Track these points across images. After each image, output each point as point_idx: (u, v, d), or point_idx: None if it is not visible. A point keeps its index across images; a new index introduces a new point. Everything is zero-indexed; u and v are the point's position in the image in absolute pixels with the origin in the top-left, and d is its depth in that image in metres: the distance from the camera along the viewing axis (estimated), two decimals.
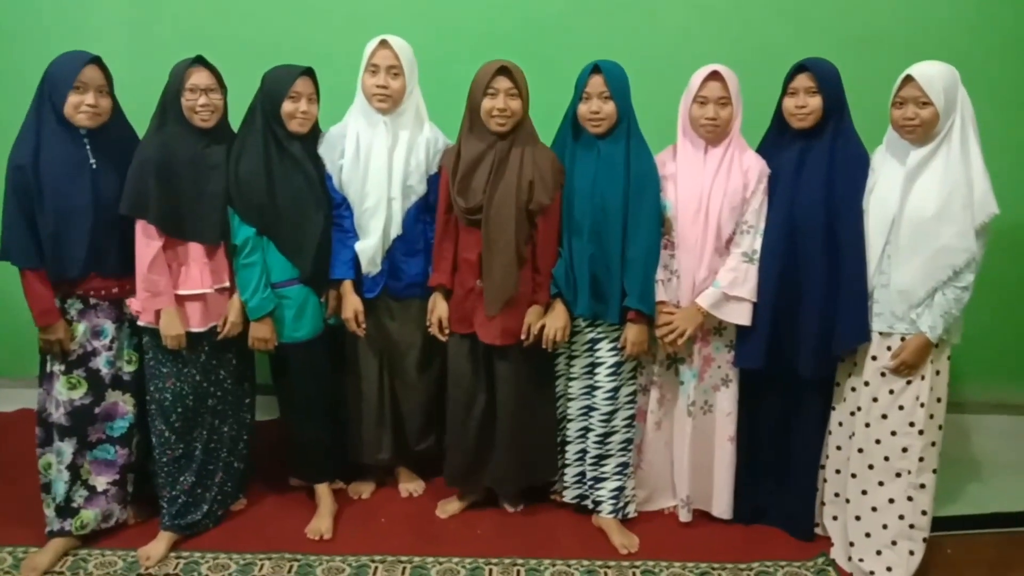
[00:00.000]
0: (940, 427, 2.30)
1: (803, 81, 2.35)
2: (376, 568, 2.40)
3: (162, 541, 2.47)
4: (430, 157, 2.58)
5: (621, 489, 2.56)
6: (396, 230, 2.56)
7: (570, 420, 2.60)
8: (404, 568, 2.40)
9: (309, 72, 2.47)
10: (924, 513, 2.28)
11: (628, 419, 2.54)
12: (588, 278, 2.42)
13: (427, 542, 2.53)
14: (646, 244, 2.42)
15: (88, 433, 2.42)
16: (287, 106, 2.43)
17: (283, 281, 2.50)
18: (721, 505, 2.61)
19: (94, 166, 2.31)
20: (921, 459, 2.27)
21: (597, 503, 2.58)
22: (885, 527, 2.31)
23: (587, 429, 2.55)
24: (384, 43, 2.46)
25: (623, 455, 2.56)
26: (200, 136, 2.39)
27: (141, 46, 3.23)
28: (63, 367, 2.37)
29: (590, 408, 2.54)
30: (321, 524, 2.58)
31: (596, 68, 2.37)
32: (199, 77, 2.34)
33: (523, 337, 2.45)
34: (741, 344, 2.49)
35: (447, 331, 2.57)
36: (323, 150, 2.55)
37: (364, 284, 2.61)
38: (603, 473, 2.56)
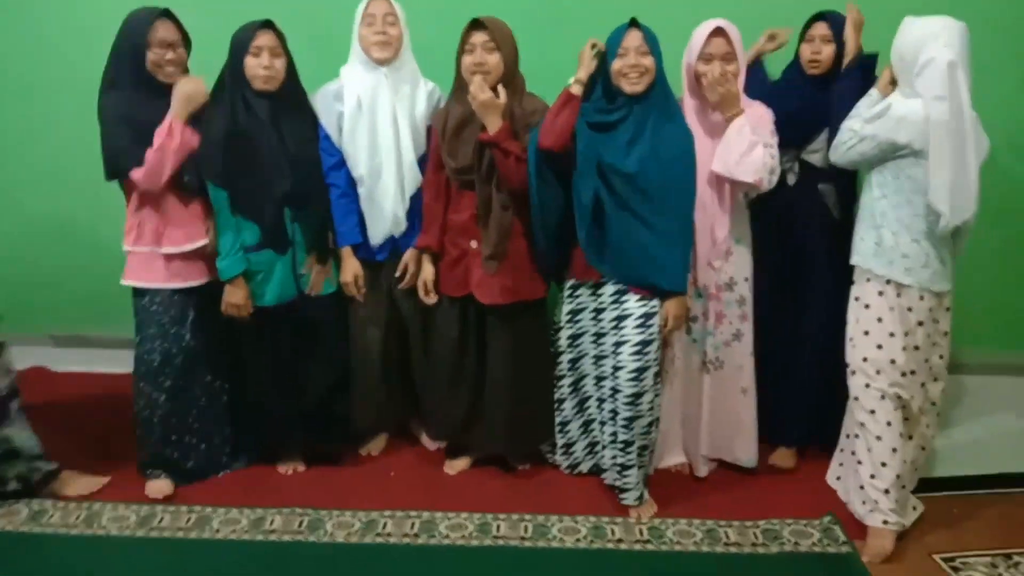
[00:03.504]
0: (879, 372, 2.25)
1: (819, 29, 2.52)
2: (385, 523, 2.42)
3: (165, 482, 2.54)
4: (431, 109, 2.57)
5: (646, 475, 2.53)
6: (413, 184, 2.54)
7: (602, 400, 2.50)
8: (413, 523, 2.42)
9: (269, 24, 2.41)
10: (870, 450, 2.28)
11: (655, 381, 2.41)
12: (616, 244, 2.32)
13: (436, 497, 2.55)
14: (684, 217, 2.31)
15: None
16: (249, 62, 2.38)
17: (252, 245, 2.47)
18: (744, 454, 2.64)
19: None
20: (856, 398, 2.30)
21: (622, 491, 2.48)
22: (853, 453, 2.38)
23: (615, 390, 2.40)
24: None
25: (644, 438, 2.44)
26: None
27: None
28: None
29: (616, 367, 2.39)
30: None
31: (633, 23, 2.26)
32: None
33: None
34: None
35: (432, 294, 2.57)
36: (319, 106, 2.51)
37: (374, 247, 2.59)
38: (629, 460, 2.43)
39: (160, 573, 2.22)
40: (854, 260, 2.32)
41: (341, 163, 2.54)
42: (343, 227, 2.56)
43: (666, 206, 2.28)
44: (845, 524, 2.39)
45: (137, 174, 2.32)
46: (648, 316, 2.35)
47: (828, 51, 2.50)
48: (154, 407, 2.49)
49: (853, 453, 2.35)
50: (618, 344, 2.38)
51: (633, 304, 2.36)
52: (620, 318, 2.38)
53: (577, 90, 2.31)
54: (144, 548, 2.32)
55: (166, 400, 2.49)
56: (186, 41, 2.41)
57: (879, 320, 2.25)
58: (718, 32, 2.33)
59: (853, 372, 2.31)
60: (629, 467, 2.44)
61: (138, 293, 2.46)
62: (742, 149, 2.30)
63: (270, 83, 2.41)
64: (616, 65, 2.26)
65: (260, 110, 2.42)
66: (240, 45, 2.39)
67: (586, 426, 2.61)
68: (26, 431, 2.46)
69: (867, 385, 2.28)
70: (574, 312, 2.51)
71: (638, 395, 2.36)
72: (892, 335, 2.24)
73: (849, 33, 2.47)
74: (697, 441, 2.64)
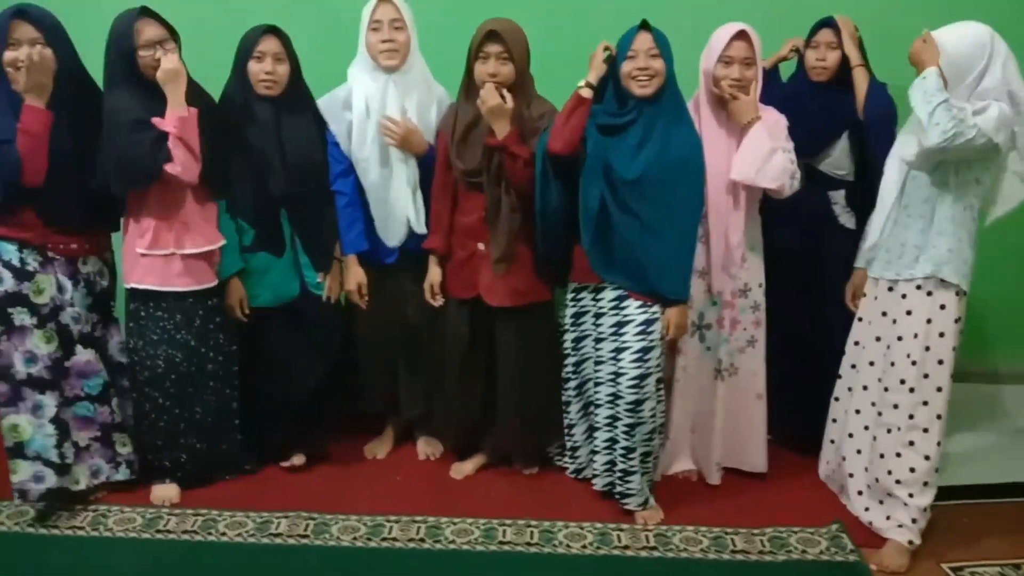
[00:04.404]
0: (939, 389, 2.17)
1: (825, 36, 2.54)
2: (391, 527, 2.42)
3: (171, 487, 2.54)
4: (441, 115, 2.56)
5: (651, 481, 2.50)
6: (417, 187, 2.54)
7: (599, 405, 2.45)
8: (419, 528, 2.42)
9: (274, 30, 2.41)
10: (913, 470, 2.22)
11: (657, 388, 2.39)
12: (620, 250, 2.30)
13: (442, 502, 2.55)
14: (690, 224, 2.29)
15: (65, 388, 2.39)
16: (252, 66, 2.40)
17: (248, 247, 2.50)
18: (755, 460, 2.64)
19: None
20: (911, 416, 2.21)
21: (624, 496, 2.45)
22: (866, 470, 2.35)
23: (616, 396, 2.37)
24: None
25: (646, 445, 2.42)
26: None
27: None
28: (36, 321, 2.30)
29: (617, 374, 2.35)
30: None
31: (644, 26, 2.24)
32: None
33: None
34: None
35: (439, 296, 2.57)
36: (328, 114, 2.52)
37: (382, 251, 2.60)
38: (631, 467, 2.40)
39: (166, 575, 2.22)
40: (919, 270, 2.15)
41: (348, 171, 2.54)
42: (348, 236, 2.56)
43: (671, 212, 2.27)
44: (851, 531, 2.37)
45: (175, 168, 2.26)
46: (649, 322, 2.33)
47: (833, 57, 2.53)
48: (159, 412, 2.48)
49: (875, 476, 2.30)
50: (619, 350, 2.36)
51: (634, 310, 2.34)
52: (620, 324, 2.36)
53: (587, 93, 2.31)
54: (150, 550, 2.31)
55: (172, 405, 2.48)
56: (174, 35, 2.33)
57: (941, 335, 2.15)
58: (740, 35, 2.32)
59: (912, 390, 2.19)
60: (632, 473, 2.42)
61: (144, 297, 2.40)
62: (762, 155, 2.30)
63: (273, 88, 2.42)
64: (625, 67, 2.25)
65: (262, 114, 2.44)
66: (244, 50, 2.41)
67: (591, 431, 2.59)
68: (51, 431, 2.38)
69: (925, 403, 2.19)
70: (577, 315, 2.51)
71: (639, 402, 2.35)
72: (954, 349, 2.16)
73: (849, 48, 2.49)
74: (709, 449, 2.63)
